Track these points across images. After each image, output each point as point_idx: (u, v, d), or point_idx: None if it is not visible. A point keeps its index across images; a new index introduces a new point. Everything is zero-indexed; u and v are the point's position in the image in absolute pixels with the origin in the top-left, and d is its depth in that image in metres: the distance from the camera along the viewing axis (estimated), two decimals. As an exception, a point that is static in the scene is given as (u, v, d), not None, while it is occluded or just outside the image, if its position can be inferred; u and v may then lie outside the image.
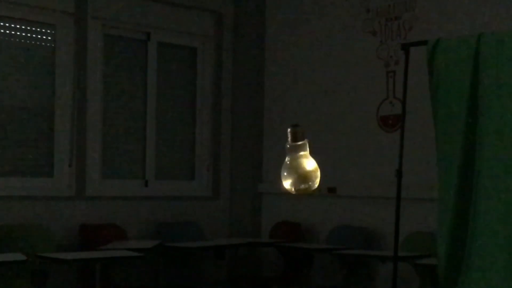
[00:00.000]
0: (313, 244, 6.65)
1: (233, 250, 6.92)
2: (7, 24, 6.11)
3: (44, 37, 6.33)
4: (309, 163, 3.06)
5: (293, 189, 3.06)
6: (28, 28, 6.21)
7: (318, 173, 3.07)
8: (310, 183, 3.06)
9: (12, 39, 6.14)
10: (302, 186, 3.04)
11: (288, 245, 6.59)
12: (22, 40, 6.20)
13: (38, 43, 6.29)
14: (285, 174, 3.07)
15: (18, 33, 6.17)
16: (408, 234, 5.81)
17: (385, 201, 5.97)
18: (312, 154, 3.11)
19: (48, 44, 6.35)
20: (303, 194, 3.18)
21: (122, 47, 6.84)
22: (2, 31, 6.08)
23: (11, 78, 6.14)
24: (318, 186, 3.08)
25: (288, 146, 3.09)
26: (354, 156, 6.56)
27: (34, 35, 6.25)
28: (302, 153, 3.07)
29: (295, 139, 3.08)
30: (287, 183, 3.07)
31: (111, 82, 6.73)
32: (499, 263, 3.82)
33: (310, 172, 3.06)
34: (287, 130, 3.08)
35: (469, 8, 5.77)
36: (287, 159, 3.08)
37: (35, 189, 6.14)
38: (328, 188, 6.62)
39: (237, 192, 7.42)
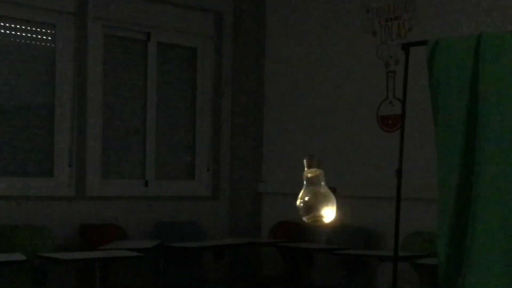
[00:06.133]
0: (313, 244, 6.64)
1: (233, 250, 6.92)
2: (7, 24, 6.11)
3: (44, 37, 6.33)
4: (314, 194, 3.05)
5: (304, 218, 3.05)
6: (28, 28, 6.21)
7: (328, 205, 3.05)
8: (315, 213, 3.04)
9: (12, 39, 6.14)
10: (307, 217, 3.03)
11: (288, 245, 6.59)
12: (22, 40, 6.20)
13: (38, 43, 6.29)
14: (297, 203, 3.07)
15: (18, 33, 6.17)
16: (408, 234, 5.81)
17: (385, 201, 5.96)
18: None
19: (48, 44, 6.35)
20: (315, 224, 3.17)
21: (122, 47, 6.84)
22: (2, 31, 6.08)
23: (11, 78, 6.14)
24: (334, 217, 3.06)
25: (304, 176, 3.10)
26: (354, 156, 6.56)
27: (34, 35, 6.25)
28: (313, 184, 3.07)
29: (310, 167, 3.08)
30: (300, 212, 3.06)
31: (111, 82, 6.73)
32: (499, 263, 3.83)
33: (315, 203, 3.05)
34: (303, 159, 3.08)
35: (469, 8, 5.77)
36: (304, 189, 3.08)
37: (35, 189, 6.14)
38: (328, 188, 6.61)
39: (237, 192, 7.42)
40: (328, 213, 3.05)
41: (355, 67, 6.60)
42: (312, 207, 3.04)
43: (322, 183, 3.11)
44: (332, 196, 3.09)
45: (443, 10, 5.95)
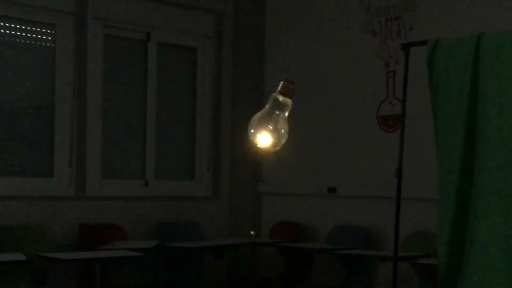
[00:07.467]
0: (313, 244, 6.65)
1: (233, 250, 6.92)
2: (7, 24, 6.11)
3: (44, 37, 6.33)
4: (266, 116, 3.00)
5: (257, 142, 2.99)
6: (28, 28, 6.21)
7: (286, 137, 3.01)
8: (275, 142, 3.00)
9: (12, 39, 6.14)
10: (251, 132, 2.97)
11: (288, 245, 6.59)
12: (22, 40, 6.20)
13: (38, 43, 6.29)
14: (255, 124, 3.00)
15: (18, 33, 6.17)
16: (408, 234, 5.81)
17: (385, 201, 5.97)
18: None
19: (48, 44, 6.35)
20: (264, 151, 3.10)
21: (122, 47, 6.84)
22: (2, 31, 6.08)
23: (11, 77, 6.14)
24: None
25: (272, 97, 3.04)
26: (354, 156, 6.56)
27: (34, 35, 6.25)
28: (277, 109, 3.01)
29: (282, 93, 3.04)
30: (254, 134, 3.00)
31: (111, 82, 6.73)
32: (499, 263, 3.82)
33: (259, 123, 2.99)
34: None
35: (469, 8, 5.77)
36: (265, 109, 3.02)
37: (35, 189, 6.14)
38: (328, 188, 6.62)
39: (237, 192, 7.41)
40: (264, 138, 2.99)
41: (355, 67, 6.60)
42: (253, 125, 2.98)
43: (286, 114, 3.04)
44: (283, 131, 3.01)
45: (443, 10, 5.95)
